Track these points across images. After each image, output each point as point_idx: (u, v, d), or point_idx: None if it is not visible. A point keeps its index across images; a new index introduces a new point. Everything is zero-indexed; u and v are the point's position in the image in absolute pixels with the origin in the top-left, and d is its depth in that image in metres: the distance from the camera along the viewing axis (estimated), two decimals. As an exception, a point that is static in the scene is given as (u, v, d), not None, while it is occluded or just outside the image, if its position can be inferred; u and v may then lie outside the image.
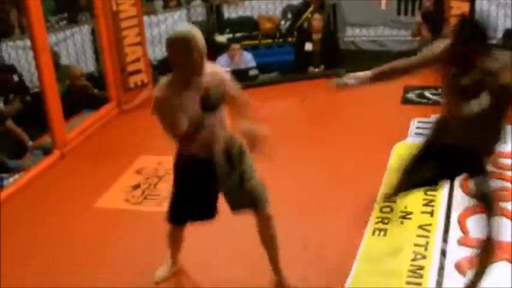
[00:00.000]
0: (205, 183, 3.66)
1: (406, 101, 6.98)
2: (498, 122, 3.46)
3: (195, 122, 3.41)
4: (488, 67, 3.29)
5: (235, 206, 3.76)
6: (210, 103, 3.43)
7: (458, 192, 4.92)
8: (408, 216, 4.65)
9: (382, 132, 6.01)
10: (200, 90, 3.41)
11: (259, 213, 3.74)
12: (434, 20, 8.31)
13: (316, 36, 8.06)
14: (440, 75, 3.62)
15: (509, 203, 4.76)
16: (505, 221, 4.50)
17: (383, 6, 9.13)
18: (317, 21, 8.13)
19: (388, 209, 4.72)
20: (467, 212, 4.62)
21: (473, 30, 3.30)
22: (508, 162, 5.39)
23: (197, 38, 3.34)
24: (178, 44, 3.35)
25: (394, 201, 4.55)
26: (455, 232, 4.45)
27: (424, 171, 3.75)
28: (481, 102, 3.20)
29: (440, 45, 3.57)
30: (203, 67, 3.41)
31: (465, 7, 7.99)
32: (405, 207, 4.72)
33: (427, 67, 3.79)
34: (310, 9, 8.81)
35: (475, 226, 4.43)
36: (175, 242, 4.06)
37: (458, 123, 3.46)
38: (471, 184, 3.69)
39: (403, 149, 5.70)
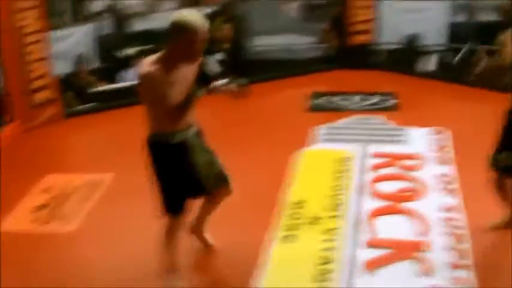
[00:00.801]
0: (183, 165, 3.76)
1: (313, 107, 7.06)
2: None
3: (187, 99, 3.49)
4: None
5: (210, 187, 3.96)
6: (203, 81, 3.51)
7: (365, 194, 5.01)
8: (316, 221, 4.68)
9: (290, 139, 6.06)
10: (194, 67, 3.51)
11: (227, 189, 4.09)
12: (342, 27, 8.47)
13: (225, 46, 8.08)
14: None
15: (413, 202, 4.86)
16: (410, 220, 4.63)
17: (292, 14, 9.22)
18: (226, 30, 8.16)
19: (297, 215, 4.75)
20: (375, 214, 4.71)
21: None
22: (412, 163, 5.52)
23: (204, 25, 3.45)
24: (187, 30, 3.41)
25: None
26: (364, 234, 4.51)
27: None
28: None
29: None
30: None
31: (370, 14, 8.19)
32: (313, 212, 4.77)
33: None
34: (220, 19, 8.82)
35: (383, 227, 4.54)
36: (175, 241, 3.98)
37: None
38: None
39: (312, 156, 5.80)
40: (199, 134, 3.88)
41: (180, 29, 3.43)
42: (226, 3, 9.08)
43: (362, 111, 6.86)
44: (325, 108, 7.02)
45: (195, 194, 3.96)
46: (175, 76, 3.48)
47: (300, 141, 6.00)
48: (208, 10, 8.94)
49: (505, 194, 4.33)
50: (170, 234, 3.94)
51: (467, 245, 4.29)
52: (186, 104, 3.54)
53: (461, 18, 8.99)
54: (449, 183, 5.15)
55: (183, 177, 3.79)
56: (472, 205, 4.77)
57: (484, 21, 8.40)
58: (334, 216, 4.73)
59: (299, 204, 4.92)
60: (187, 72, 3.53)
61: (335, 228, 4.57)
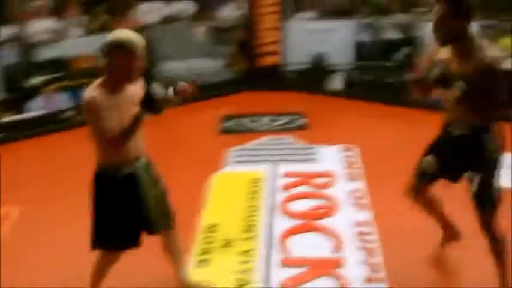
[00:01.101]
0: (129, 202, 3.55)
1: (223, 130, 7.05)
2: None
3: (132, 123, 3.30)
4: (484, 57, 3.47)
5: (157, 226, 3.71)
6: (149, 103, 3.31)
7: (277, 214, 5.02)
8: (230, 244, 4.65)
9: (201, 163, 6.02)
10: (135, 91, 3.38)
11: (173, 230, 3.86)
12: (248, 50, 8.53)
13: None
14: None
15: (326, 220, 4.90)
16: (324, 237, 4.66)
17: (200, 38, 9.22)
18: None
19: (210, 239, 4.71)
20: (288, 233, 4.72)
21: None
22: (323, 181, 5.57)
23: (142, 43, 3.33)
24: (125, 48, 3.29)
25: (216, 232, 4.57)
26: (277, 254, 4.51)
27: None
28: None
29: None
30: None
31: (275, 35, 8.29)
32: (227, 235, 4.74)
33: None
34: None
35: (296, 246, 4.56)
36: (103, 276, 3.82)
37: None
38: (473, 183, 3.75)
39: (223, 178, 5.78)
40: (149, 165, 3.70)
41: (118, 48, 3.30)
42: (133, 29, 8.98)
43: (272, 132, 6.90)
44: (236, 131, 7.02)
45: (139, 231, 3.68)
46: (119, 99, 3.34)
47: (213, 164, 5.98)
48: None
49: (427, 204, 4.19)
50: (101, 270, 3.79)
51: (379, 259, 4.35)
52: (131, 130, 3.33)
53: (366, 37, 9.23)
54: (360, 198, 5.23)
55: (130, 213, 3.57)
56: (382, 219, 4.85)
57: (387, 39, 8.61)
58: (248, 238, 4.72)
59: (212, 227, 4.88)
60: (130, 94, 3.39)
61: (250, 250, 4.55)
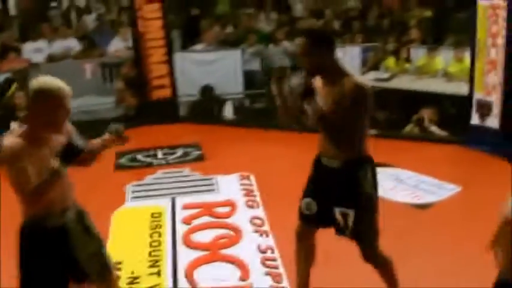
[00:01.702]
0: (58, 256, 3.31)
1: (119, 166, 6.97)
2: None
3: (50, 175, 3.08)
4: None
5: (95, 279, 3.47)
6: (70, 155, 3.13)
7: (181, 247, 5.01)
8: (136, 281, 4.60)
9: (99, 202, 5.90)
10: (57, 142, 3.17)
11: (112, 278, 3.60)
12: (137, 85, 8.49)
13: (21, 114, 7.78)
14: None
15: (230, 248, 4.93)
16: (230, 266, 4.69)
17: (88, 75, 9.11)
18: (20, 98, 7.89)
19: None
20: (193, 265, 4.72)
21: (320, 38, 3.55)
22: (224, 210, 5.61)
23: (67, 91, 3.16)
24: (48, 96, 3.12)
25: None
26: (184, 286, 4.49)
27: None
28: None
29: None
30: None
31: (164, 69, 8.30)
32: (132, 272, 4.68)
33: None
34: (14, 86, 8.51)
35: (202, 277, 4.56)
36: None
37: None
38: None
39: (123, 215, 5.70)
40: (81, 216, 3.51)
41: (42, 95, 3.14)
42: (19, 69, 8.79)
43: (168, 166, 6.88)
44: (132, 167, 6.95)
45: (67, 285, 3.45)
46: (40, 150, 3.14)
47: (111, 201, 5.90)
48: (1, 77, 8.63)
49: (304, 253, 3.98)
50: None
51: (285, 284, 4.41)
52: (48, 183, 3.11)
53: (254, 65, 9.41)
54: (260, 225, 5.29)
55: (58, 268, 3.35)
56: (284, 243, 4.93)
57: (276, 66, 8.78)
58: (153, 273, 4.68)
59: (116, 265, 4.79)
60: (53, 144, 3.19)
61: (156, 285, 4.52)
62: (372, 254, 3.74)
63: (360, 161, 3.60)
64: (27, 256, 3.33)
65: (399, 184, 6.05)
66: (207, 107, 8.86)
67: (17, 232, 3.34)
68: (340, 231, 3.70)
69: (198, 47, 9.50)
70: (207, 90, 8.91)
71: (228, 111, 8.90)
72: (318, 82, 3.59)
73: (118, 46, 9.32)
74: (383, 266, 3.81)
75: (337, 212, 3.63)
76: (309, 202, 3.77)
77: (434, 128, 7.37)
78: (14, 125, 7.74)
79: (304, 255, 3.96)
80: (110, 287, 3.62)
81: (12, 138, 3.12)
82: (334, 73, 3.53)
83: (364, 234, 3.68)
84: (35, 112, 3.18)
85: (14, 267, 3.99)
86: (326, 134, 3.59)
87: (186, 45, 9.78)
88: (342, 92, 3.45)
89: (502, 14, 6.46)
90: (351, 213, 3.60)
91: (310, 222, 3.83)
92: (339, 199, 3.62)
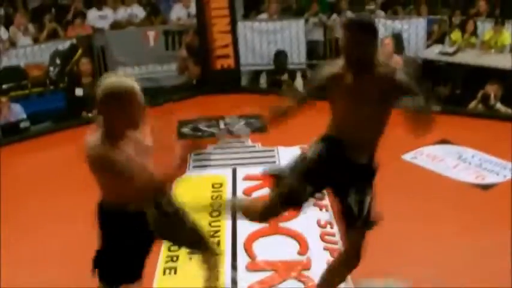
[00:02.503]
0: (137, 239, 3.36)
1: (181, 135, 7.03)
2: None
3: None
4: (385, 71, 3.38)
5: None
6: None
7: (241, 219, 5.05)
8: (196, 251, 4.65)
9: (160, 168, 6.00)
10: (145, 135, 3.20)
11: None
12: (200, 53, 8.51)
13: (86, 80, 7.94)
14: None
15: (289, 222, 4.95)
16: (288, 240, 4.71)
17: (151, 43, 9.19)
18: (85, 65, 8.03)
19: (175, 247, 4.71)
20: (252, 237, 4.76)
21: (365, 28, 3.37)
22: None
23: (138, 88, 3.08)
24: (126, 93, 3.02)
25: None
26: (242, 259, 4.55)
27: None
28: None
29: (328, 67, 3.57)
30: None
31: (227, 38, 8.29)
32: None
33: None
34: (79, 53, 8.66)
35: (261, 250, 4.60)
36: None
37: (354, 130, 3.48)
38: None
39: (184, 184, 5.76)
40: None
41: (118, 95, 3.03)
42: (84, 36, 8.93)
43: (230, 136, 6.88)
44: (194, 136, 7.01)
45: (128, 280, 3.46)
46: (130, 147, 3.08)
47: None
48: (67, 44, 8.78)
49: None
50: None
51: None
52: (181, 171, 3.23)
53: (317, 35, 9.34)
54: (321, 199, 5.28)
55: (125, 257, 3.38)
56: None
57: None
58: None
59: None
60: (139, 139, 3.16)
61: (215, 256, 4.57)
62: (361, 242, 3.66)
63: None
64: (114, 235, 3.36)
65: (462, 162, 5.95)
66: (275, 76, 8.78)
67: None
68: (352, 221, 3.61)
69: (261, 16, 9.47)
70: (281, 56, 8.87)
71: (299, 83, 8.84)
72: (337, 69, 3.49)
73: (180, 13, 9.36)
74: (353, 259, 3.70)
75: (354, 199, 3.57)
76: (308, 189, 3.66)
77: (499, 106, 7.20)
78: (79, 91, 7.90)
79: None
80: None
81: (97, 146, 3.05)
82: (373, 64, 3.41)
83: (367, 222, 3.62)
84: (114, 113, 3.07)
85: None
86: (360, 126, 3.48)
87: (248, 15, 9.76)
88: (383, 84, 3.37)
89: None
90: (368, 200, 3.58)
91: (291, 205, 3.79)
92: (358, 189, 3.58)
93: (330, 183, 3.67)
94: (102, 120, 3.09)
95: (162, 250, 4.65)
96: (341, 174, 3.56)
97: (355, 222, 3.59)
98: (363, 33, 3.36)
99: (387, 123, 3.50)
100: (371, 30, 3.41)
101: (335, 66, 3.51)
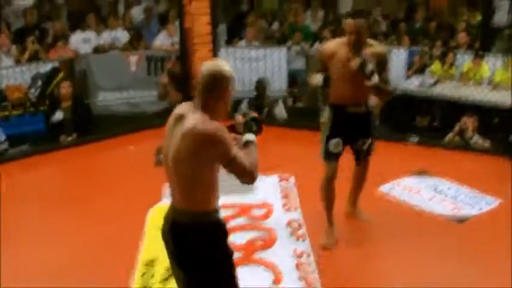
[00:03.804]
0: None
1: (158, 162, 7.00)
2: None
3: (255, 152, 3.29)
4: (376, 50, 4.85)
5: None
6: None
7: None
8: (171, 277, 4.60)
9: (137, 197, 5.98)
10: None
11: None
12: (181, 80, 8.53)
13: (66, 104, 7.92)
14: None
15: (265, 251, 4.95)
16: (263, 270, 4.71)
17: (133, 68, 9.20)
18: (66, 88, 8.02)
19: (150, 274, 4.70)
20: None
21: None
22: (261, 213, 5.62)
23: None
24: (229, 77, 3.11)
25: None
26: None
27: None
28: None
29: (325, 46, 5.13)
30: None
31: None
32: (167, 269, 4.71)
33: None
34: (60, 75, 8.65)
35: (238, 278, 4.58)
36: None
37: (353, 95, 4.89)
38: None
39: (159, 212, 5.74)
40: None
41: (225, 78, 3.11)
42: (66, 59, 8.92)
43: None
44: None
45: None
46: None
47: (150, 197, 5.93)
48: (48, 66, 8.77)
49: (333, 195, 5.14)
50: None
51: (318, 288, 4.44)
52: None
53: (299, 64, 9.40)
54: (297, 229, 5.30)
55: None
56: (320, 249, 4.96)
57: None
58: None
59: (151, 262, 4.87)
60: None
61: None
62: (369, 161, 5.24)
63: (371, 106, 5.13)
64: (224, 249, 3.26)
65: (438, 194, 5.99)
66: (256, 104, 8.82)
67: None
68: (359, 156, 5.18)
69: (241, 43, 9.53)
70: (262, 84, 8.92)
71: (280, 111, 8.88)
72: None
73: (164, 41, 9.39)
74: (367, 169, 5.27)
75: (361, 141, 5.09)
76: (339, 142, 5.00)
77: (476, 138, 7.27)
78: (59, 114, 7.88)
79: (333, 194, 5.12)
80: None
81: (210, 123, 3.04)
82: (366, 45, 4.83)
83: (371, 150, 5.17)
84: (222, 97, 3.14)
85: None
86: (356, 87, 4.79)
87: (231, 41, 9.81)
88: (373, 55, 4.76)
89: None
90: (369, 140, 5.10)
91: (337, 158, 5.04)
92: (363, 133, 5.06)
93: (347, 133, 5.00)
94: (205, 102, 3.10)
95: (136, 278, 4.64)
96: (347, 124, 4.96)
97: (360, 155, 5.18)
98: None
99: None
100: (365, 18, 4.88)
101: (332, 45, 5.03)
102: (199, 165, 3.06)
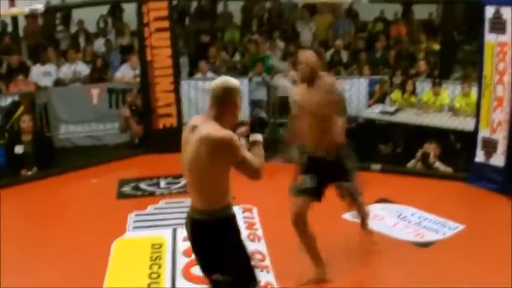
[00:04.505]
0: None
1: (121, 195, 6.95)
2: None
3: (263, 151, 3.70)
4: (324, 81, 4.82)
5: None
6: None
7: (181, 280, 5.03)
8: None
9: (100, 230, 5.89)
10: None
11: None
12: (142, 112, 8.48)
13: (27, 138, 7.81)
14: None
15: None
16: None
17: (95, 101, 9.15)
18: (26, 122, 7.90)
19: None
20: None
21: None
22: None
23: None
24: (238, 90, 3.60)
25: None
26: None
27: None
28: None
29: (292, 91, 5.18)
30: None
31: (171, 97, 8.26)
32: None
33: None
34: (20, 109, 8.55)
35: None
36: None
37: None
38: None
39: (124, 245, 5.68)
40: None
41: (234, 92, 3.57)
42: (26, 93, 8.83)
43: (171, 195, 6.83)
44: (134, 195, 6.91)
45: None
46: None
47: (112, 230, 5.87)
48: (8, 100, 8.67)
49: (306, 232, 4.90)
50: None
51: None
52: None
53: (260, 94, 9.42)
54: (262, 260, 5.26)
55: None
56: (284, 279, 4.91)
57: (282, 96, 8.77)
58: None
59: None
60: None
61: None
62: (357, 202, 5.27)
63: (341, 149, 4.95)
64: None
65: (402, 221, 6.01)
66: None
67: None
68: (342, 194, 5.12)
69: (197, 75, 9.54)
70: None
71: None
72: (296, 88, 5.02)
73: (126, 72, 9.35)
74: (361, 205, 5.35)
75: (338, 185, 5.02)
76: (310, 176, 4.87)
77: (438, 164, 7.33)
78: (18, 148, 7.76)
79: (310, 233, 4.89)
80: None
81: (221, 130, 3.50)
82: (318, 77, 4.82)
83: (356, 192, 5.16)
84: (228, 108, 3.57)
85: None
86: (317, 132, 4.84)
87: (193, 72, 9.81)
88: (326, 90, 4.78)
89: (509, 52, 6.44)
90: (349, 184, 5.03)
91: (312, 194, 4.88)
92: (335, 177, 4.96)
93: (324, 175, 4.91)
94: (218, 112, 3.54)
95: None
96: (319, 168, 4.89)
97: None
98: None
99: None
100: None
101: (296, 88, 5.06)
102: (213, 166, 3.49)
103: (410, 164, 7.49)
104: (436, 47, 10.47)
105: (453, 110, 8.48)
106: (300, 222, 4.85)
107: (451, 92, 8.73)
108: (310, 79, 4.80)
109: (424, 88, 8.97)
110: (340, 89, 5.07)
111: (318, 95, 4.78)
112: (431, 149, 7.41)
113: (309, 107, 4.83)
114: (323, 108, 4.77)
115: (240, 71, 9.93)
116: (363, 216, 5.47)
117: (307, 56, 4.80)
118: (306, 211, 4.87)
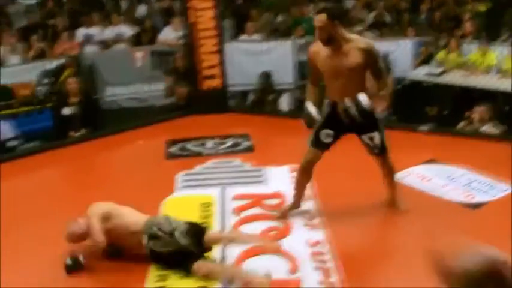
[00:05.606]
0: None
1: (169, 155, 7.00)
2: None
3: None
4: (356, 45, 4.72)
5: None
6: None
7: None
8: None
9: (149, 190, 5.94)
10: None
11: None
12: (187, 74, 8.51)
13: (74, 100, 7.90)
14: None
15: (280, 241, 4.92)
16: (279, 259, 4.68)
17: (139, 63, 9.19)
18: (72, 84, 8.00)
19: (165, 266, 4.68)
20: (243, 256, 4.71)
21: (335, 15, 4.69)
22: (274, 202, 5.60)
23: None
24: None
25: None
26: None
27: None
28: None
29: (310, 48, 4.99)
30: None
31: (215, 59, 8.28)
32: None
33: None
34: (67, 72, 8.65)
35: (252, 269, 4.56)
36: None
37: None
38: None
39: (173, 204, 5.73)
40: None
41: None
42: (73, 56, 8.91)
43: (218, 155, 6.88)
44: (182, 155, 6.97)
45: None
46: None
47: (161, 190, 5.91)
48: (54, 63, 8.76)
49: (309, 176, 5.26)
50: None
51: (335, 278, 4.40)
52: None
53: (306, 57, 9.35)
54: (311, 218, 5.27)
55: None
56: (335, 238, 4.92)
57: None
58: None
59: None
60: None
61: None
62: (387, 158, 5.13)
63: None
64: None
65: (451, 182, 5.95)
66: (261, 96, 8.84)
67: None
68: (370, 151, 5.09)
69: (242, 37, 9.50)
70: (266, 77, 8.91)
71: (283, 103, 8.88)
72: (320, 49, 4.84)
73: (169, 35, 9.36)
74: (392, 169, 5.23)
75: (365, 137, 5.01)
76: (330, 133, 5.01)
77: (485, 128, 7.22)
78: (66, 110, 7.86)
79: (307, 180, 5.24)
80: None
81: None
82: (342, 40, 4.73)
83: (385, 147, 5.06)
84: None
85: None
86: (344, 84, 4.80)
87: (237, 35, 9.78)
88: (353, 52, 4.72)
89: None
90: (375, 135, 4.99)
91: (323, 149, 5.08)
92: (364, 128, 4.96)
93: (344, 130, 5.01)
94: None
95: (151, 270, 4.61)
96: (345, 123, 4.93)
97: (372, 150, 5.08)
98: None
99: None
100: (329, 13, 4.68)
101: (315, 45, 4.91)
102: None
103: (460, 126, 7.40)
104: (482, 8, 10.25)
105: (501, 72, 8.32)
106: (307, 170, 5.19)
107: (499, 53, 8.56)
108: (330, 42, 4.72)
109: (471, 50, 8.81)
110: (376, 50, 4.88)
111: (344, 58, 4.74)
112: (478, 112, 7.30)
113: (334, 71, 4.81)
114: (351, 72, 4.74)
115: (283, 33, 9.85)
116: (393, 194, 5.36)
117: (321, 19, 4.67)
118: (316, 162, 5.14)
